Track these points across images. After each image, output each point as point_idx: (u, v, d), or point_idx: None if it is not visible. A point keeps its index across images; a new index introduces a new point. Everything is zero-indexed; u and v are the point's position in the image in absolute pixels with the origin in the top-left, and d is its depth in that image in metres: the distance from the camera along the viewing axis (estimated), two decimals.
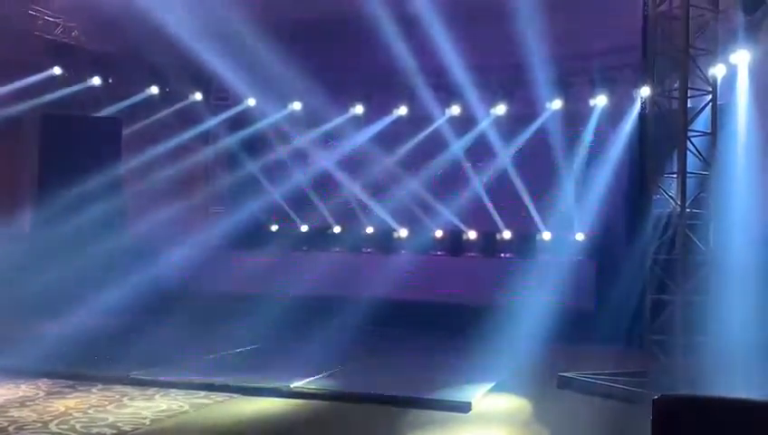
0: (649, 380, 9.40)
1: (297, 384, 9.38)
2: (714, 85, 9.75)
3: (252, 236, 16.98)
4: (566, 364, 10.81)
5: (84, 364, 10.29)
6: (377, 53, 14.76)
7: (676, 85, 9.76)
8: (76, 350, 11.19)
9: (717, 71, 10.40)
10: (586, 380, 9.86)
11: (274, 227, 17.81)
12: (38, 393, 8.81)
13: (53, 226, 15.04)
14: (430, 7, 13.64)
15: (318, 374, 9.99)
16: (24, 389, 8.99)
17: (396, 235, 17.09)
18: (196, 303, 15.39)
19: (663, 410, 4.35)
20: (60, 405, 8.27)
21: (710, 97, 9.67)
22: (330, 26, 15.78)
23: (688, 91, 9.47)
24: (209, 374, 9.85)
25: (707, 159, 9.54)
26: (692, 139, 9.48)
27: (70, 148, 16.29)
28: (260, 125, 17.69)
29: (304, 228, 17.79)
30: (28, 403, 8.32)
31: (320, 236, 17.52)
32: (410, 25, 14.13)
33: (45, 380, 9.42)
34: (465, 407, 8.74)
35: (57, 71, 16.17)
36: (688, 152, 9.40)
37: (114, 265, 14.83)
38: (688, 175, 9.38)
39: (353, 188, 17.66)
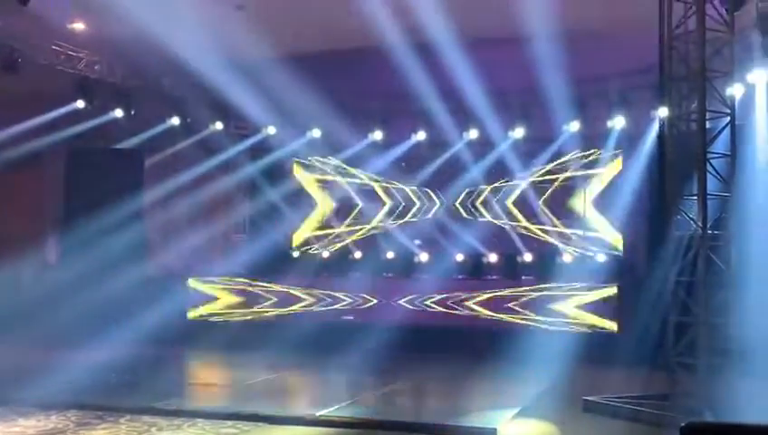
0: (674, 403, 9.37)
1: (323, 412, 9.42)
2: (732, 106, 9.75)
3: (273, 264, 17.07)
4: (591, 388, 10.79)
5: (112, 395, 10.40)
6: (394, 78, 14.86)
7: (693, 107, 9.77)
8: (103, 380, 11.33)
9: (735, 91, 10.43)
10: (611, 403, 9.84)
11: (296, 254, 17.89)
12: (68, 425, 8.91)
13: (78, 256, 15.22)
14: (446, 32, 13.74)
15: (343, 402, 10.02)
16: (54, 420, 9.10)
17: (416, 259, 17.13)
18: (219, 331, 15.53)
19: None
20: None
21: (728, 118, 9.68)
22: (346, 54, 15.93)
23: (706, 112, 9.50)
24: (235, 403, 9.92)
25: (728, 181, 9.54)
26: (711, 160, 9.49)
27: (93, 180, 16.54)
28: (280, 153, 17.85)
29: (325, 255, 17.86)
30: None
31: (340, 262, 17.59)
32: (426, 50, 14.23)
33: (75, 411, 9.52)
34: (490, 433, 8.75)
35: (80, 104, 16.40)
36: (708, 174, 9.41)
37: (138, 296, 14.99)
38: (709, 197, 9.38)
39: (373, 214, 17.76)
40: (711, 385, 9.12)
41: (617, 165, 15.95)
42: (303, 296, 16.60)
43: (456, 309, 15.73)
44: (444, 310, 15.75)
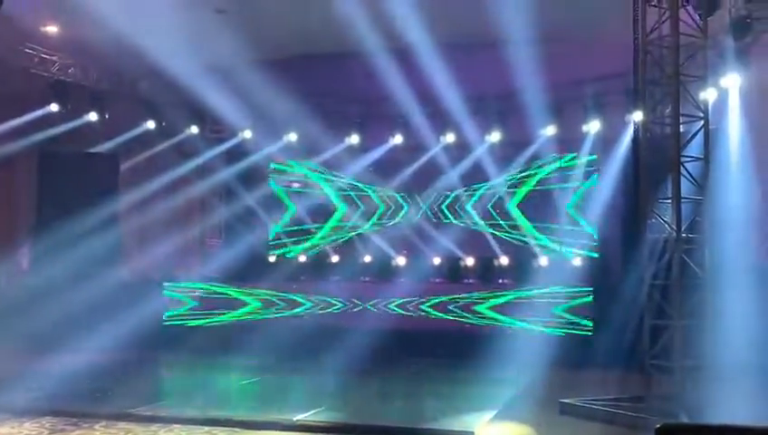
0: (649, 405, 9.44)
1: (300, 417, 9.39)
2: (705, 111, 9.85)
3: (249, 268, 17.01)
4: (567, 390, 10.84)
5: (87, 401, 10.29)
6: (371, 82, 14.88)
7: (668, 111, 9.86)
8: (77, 387, 11.21)
9: (708, 95, 10.53)
10: (587, 406, 9.89)
11: (272, 258, 17.84)
12: (42, 432, 8.81)
13: (52, 262, 15.07)
14: (423, 37, 13.78)
15: (320, 406, 9.99)
16: (27, 427, 8.99)
17: (394, 263, 17.14)
18: (195, 336, 15.43)
19: None
20: None
21: (702, 122, 9.77)
22: (324, 58, 15.94)
23: (680, 116, 9.59)
24: (211, 408, 9.86)
25: (701, 185, 9.64)
26: (685, 164, 9.59)
27: (67, 184, 16.38)
28: (256, 157, 17.79)
29: (302, 259, 17.82)
30: None
31: (318, 266, 17.55)
32: (404, 55, 14.27)
33: (49, 418, 9.42)
34: None
35: (54, 108, 16.24)
36: (682, 177, 9.50)
37: (113, 300, 14.85)
38: (683, 200, 9.47)
39: (351, 218, 17.74)
40: (686, 387, 9.20)
41: (592, 169, 16.05)
42: (286, 301, 16.54)
43: (433, 313, 15.72)
44: (420, 314, 15.74)
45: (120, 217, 16.84)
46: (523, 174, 16.85)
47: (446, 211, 17.42)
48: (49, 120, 16.34)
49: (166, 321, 16.27)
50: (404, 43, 13.80)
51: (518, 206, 16.83)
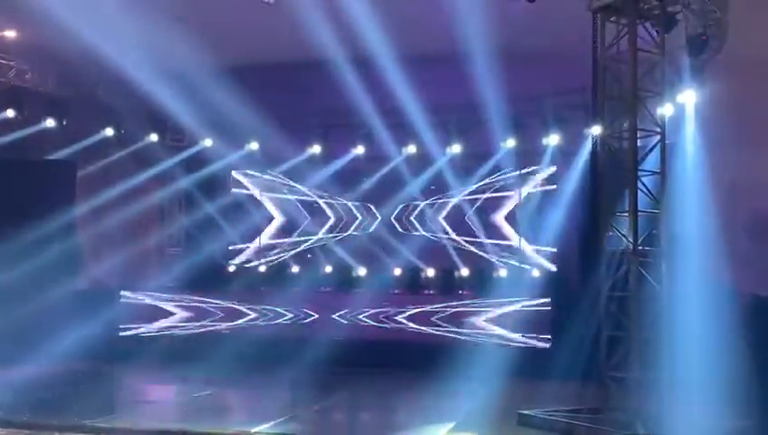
0: (607, 416, 9.53)
1: (258, 429, 9.31)
2: (662, 126, 10.03)
3: (209, 277, 16.88)
4: (525, 402, 10.89)
5: (41, 413, 10.11)
6: (333, 93, 14.88)
7: (625, 126, 10.01)
8: (32, 397, 11.02)
9: (665, 111, 10.70)
10: (546, 417, 9.95)
11: (232, 268, 17.72)
12: None
13: (6, 270, 14.79)
14: (386, 49, 13.83)
15: (279, 418, 9.93)
16: None
17: (355, 273, 17.12)
18: (151, 347, 15.27)
19: None
20: None
21: (659, 137, 9.94)
22: (286, 67, 15.90)
23: (638, 131, 9.74)
24: (167, 420, 9.75)
25: (658, 198, 9.78)
26: (642, 178, 9.73)
27: (23, 191, 16.06)
28: (217, 166, 17.67)
29: (262, 269, 17.73)
30: None
31: (278, 276, 17.46)
32: (366, 66, 14.30)
33: (1, 429, 9.24)
34: None
35: (10, 114, 15.98)
36: (639, 191, 9.64)
37: (69, 310, 14.63)
38: (640, 213, 9.61)
39: (312, 228, 17.70)
40: (642, 398, 9.30)
41: (551, 182, 16.20)
42: (245, 311, 16.48)
43: (393, 324, 15.74)
44: (380, 324, 15.75)
45: (77, 225, 16.60)
46: (484, 186, 16.91)
47: (406, 222, 17.44)
48: (5, 127, 16.07)
49: (121, 331, 16.07)
50: (367, 55, 13.83)
51: (478, 217, 16.89)
